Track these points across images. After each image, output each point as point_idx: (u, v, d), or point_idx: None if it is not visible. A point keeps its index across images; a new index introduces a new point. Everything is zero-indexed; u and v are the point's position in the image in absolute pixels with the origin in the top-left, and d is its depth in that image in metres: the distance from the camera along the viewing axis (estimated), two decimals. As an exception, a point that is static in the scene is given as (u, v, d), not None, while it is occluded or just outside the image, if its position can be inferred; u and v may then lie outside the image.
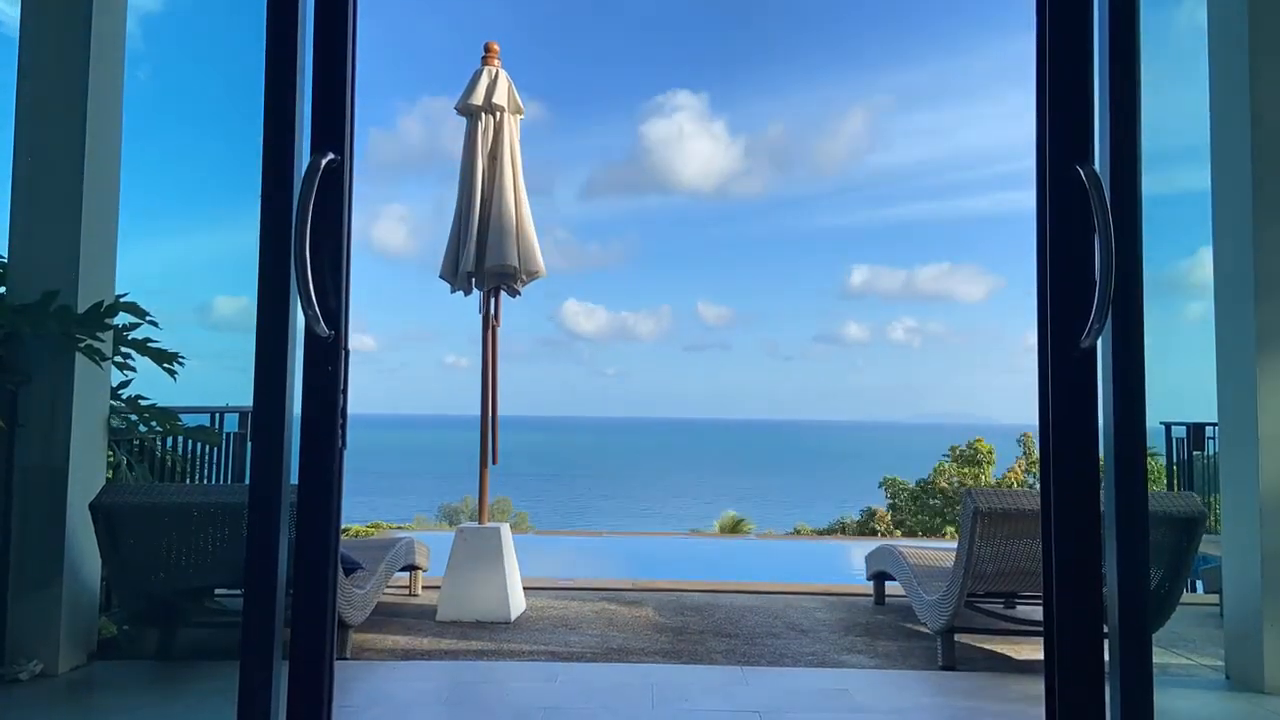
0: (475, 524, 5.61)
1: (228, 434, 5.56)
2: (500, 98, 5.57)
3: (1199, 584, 5.73)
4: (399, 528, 14.24)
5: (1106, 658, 2.17)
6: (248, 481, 2.24)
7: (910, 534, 21.04)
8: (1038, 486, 2.40)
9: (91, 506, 3.90)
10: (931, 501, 22.39)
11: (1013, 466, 23.05)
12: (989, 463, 23.19)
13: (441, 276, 5.67)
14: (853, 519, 24.66)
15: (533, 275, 5.68)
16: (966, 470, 22.81)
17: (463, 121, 5.69)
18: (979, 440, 23.51)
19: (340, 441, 2.25)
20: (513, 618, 5.24)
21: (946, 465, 23.16)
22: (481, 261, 5.51)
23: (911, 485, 23.47)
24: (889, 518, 22.82)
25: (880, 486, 24.24)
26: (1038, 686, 2.31)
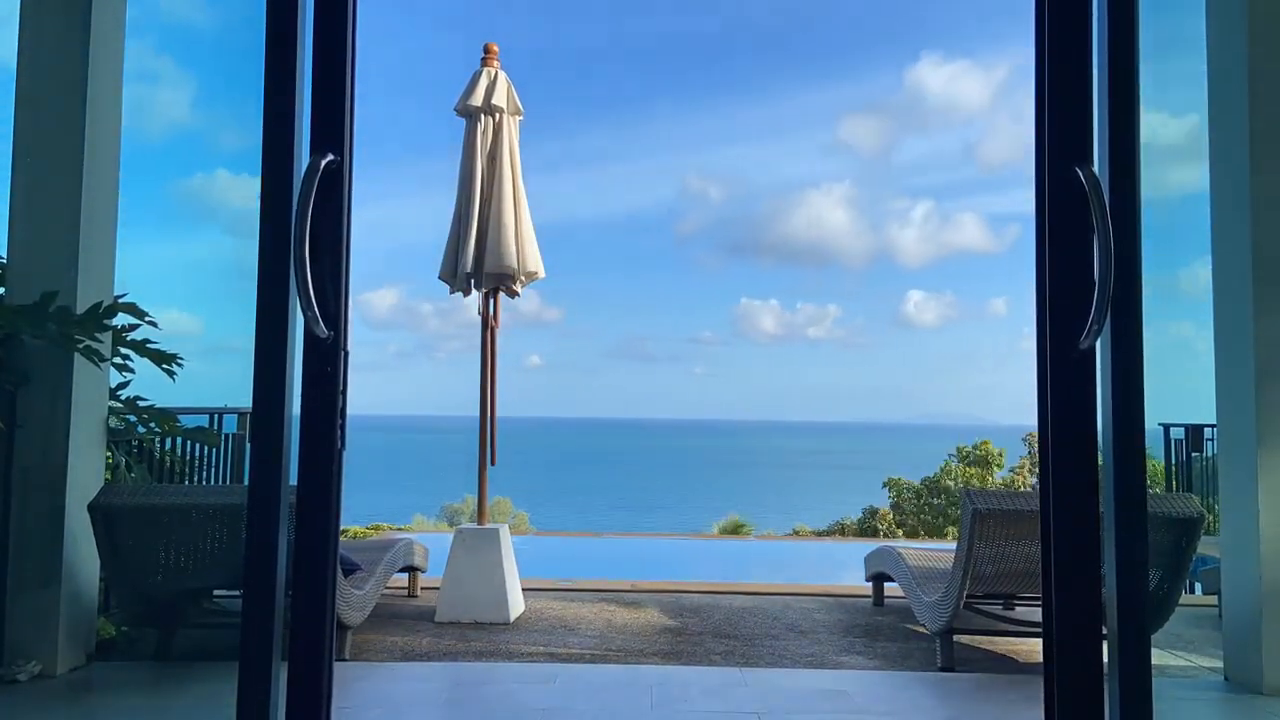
0: (474, 525, 5.61)
1: (226, 435, 5.56)
2: (499, 99, 5.58)
3: (1198, 585, 5.74)
4: (398, 529, 14.23)
5: (1105, 659, 2.17)
6: (246, 482, 2.24)
7: (912, 534, 21.11)
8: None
9: (90, 507, 3.90)
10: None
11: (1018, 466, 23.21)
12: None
13: (441, 278, 5.67)
14: (851, 520, 24.69)
15: (531, 277, 5.68)
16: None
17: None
18: (986, 442, 23.69)
19: (339, 442, 2.25)
20: (512, 619, 5.24)
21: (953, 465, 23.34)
22: (480, 263, 5.51)
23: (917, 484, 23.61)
24: (890, 517, 22.90)
25: (884, 487, 24.31)
26: (1037, 687, 2.31)
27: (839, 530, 23.65)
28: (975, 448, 24.18)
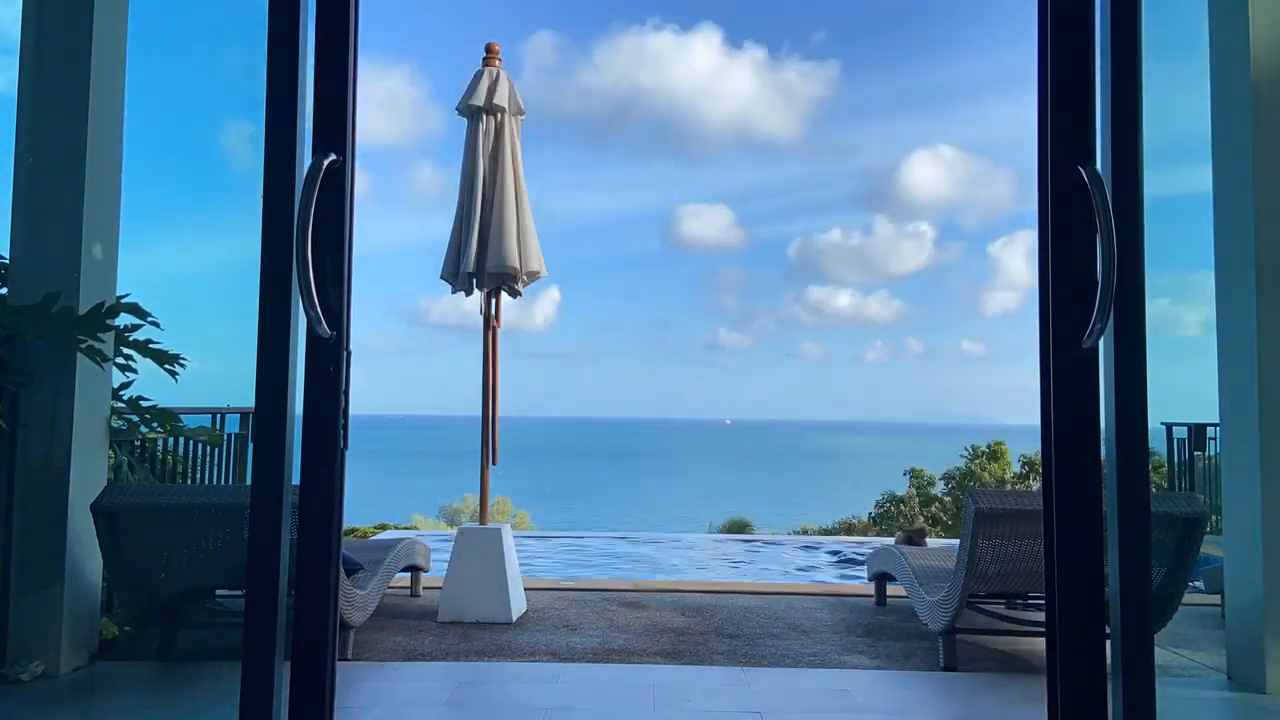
0: (476, 524, 5.61)
1: (229, 435, 5.56)
2: (501, 99, 5.58)
3: (1200, 584, 5.73)
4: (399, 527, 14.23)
5: (1108, 658, 2.17)
6: (249, 482, 2.24)
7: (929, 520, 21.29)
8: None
9: (93, 507, 3.90)
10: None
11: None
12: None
13: (443, 277, 5.67)
14: (861, 520, 24.71)
15: (533, 276, 5.68)
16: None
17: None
18: (1000, 443, 23.80)
19: (342, 442, 2.25)
20: (514, 618, 5.24)
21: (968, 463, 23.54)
22: (482, 262, 5.51)
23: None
24: (916, 498, 23.09)
25: (905, 474, 24.45)
26: (1040, 686, 2.31)
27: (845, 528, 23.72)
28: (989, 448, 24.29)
